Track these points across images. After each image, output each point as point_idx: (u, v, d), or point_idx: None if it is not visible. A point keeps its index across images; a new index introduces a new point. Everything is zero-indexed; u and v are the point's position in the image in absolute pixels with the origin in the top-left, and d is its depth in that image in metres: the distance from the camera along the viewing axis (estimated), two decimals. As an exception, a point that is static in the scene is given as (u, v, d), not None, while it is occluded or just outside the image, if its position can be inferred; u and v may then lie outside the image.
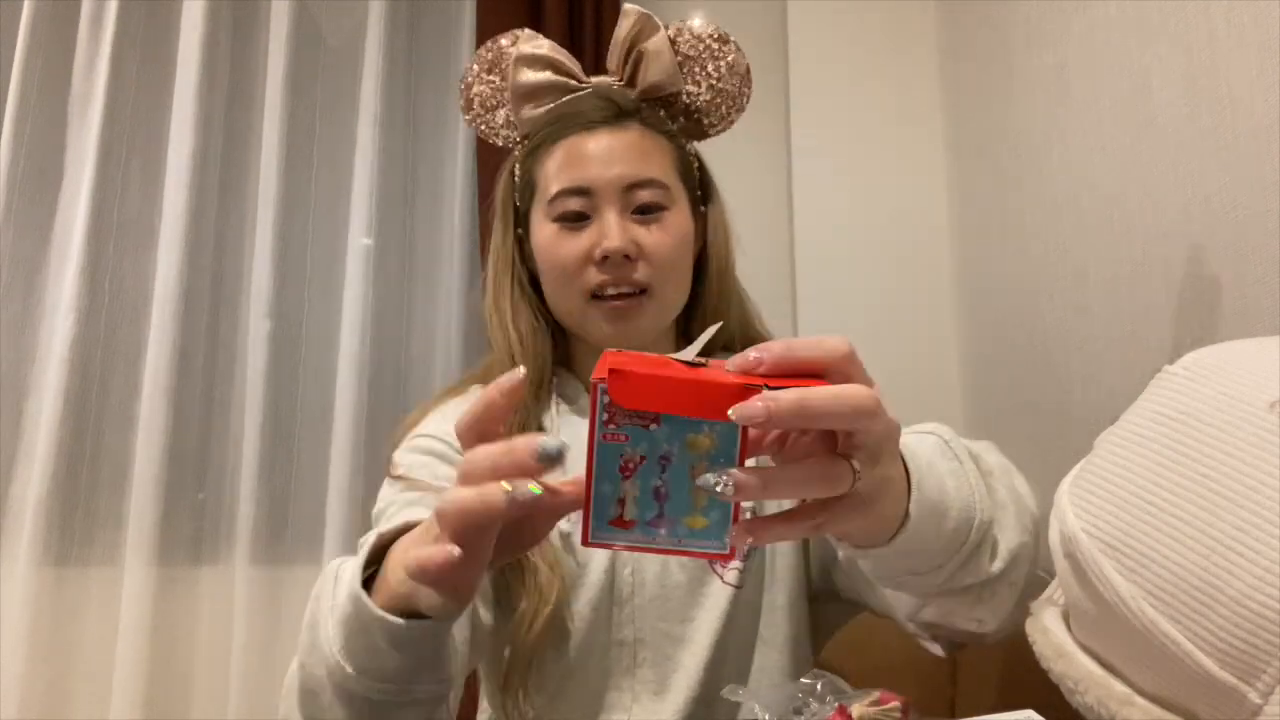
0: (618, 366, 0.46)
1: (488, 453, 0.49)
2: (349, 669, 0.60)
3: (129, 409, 1.66)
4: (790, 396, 0.44)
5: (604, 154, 0.88)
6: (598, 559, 0.86)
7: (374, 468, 1.67)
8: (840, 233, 1.72)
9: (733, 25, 0.97)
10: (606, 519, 0.48)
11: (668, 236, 0.89)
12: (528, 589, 0.83)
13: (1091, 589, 0.53)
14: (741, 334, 0.98)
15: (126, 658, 1.55)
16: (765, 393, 0.44)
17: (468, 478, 0.49)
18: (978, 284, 1.59)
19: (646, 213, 0.88)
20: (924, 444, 0.63)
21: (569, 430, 0.90)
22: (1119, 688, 0.52)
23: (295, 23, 1.77)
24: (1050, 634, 0.58)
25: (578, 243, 0.88)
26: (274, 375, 1.68)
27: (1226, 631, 0.46)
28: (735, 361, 0.47)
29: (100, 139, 1.68)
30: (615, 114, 0.90)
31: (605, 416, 0.47)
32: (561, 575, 0.84)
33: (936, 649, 0.77)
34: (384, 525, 0.66)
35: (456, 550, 0.48)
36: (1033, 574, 0.68)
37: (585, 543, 0.49)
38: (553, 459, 0.48)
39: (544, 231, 0.90)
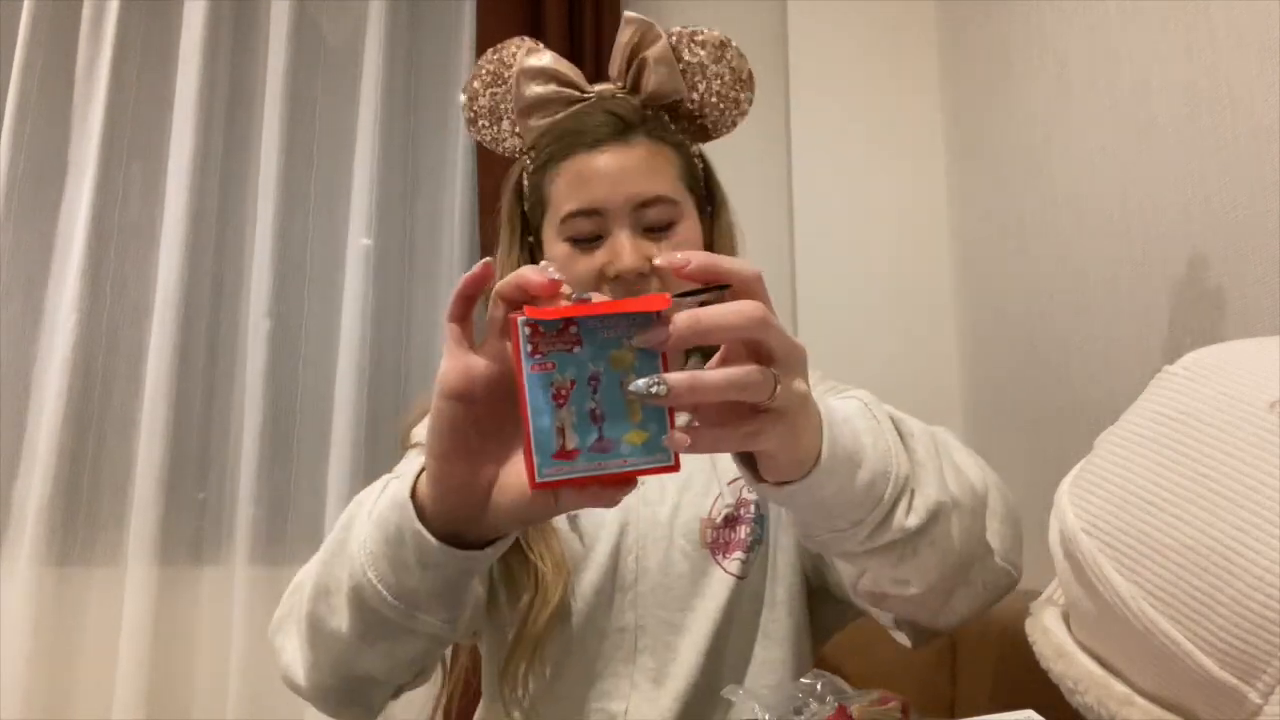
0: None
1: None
2: (370, 575, 0.63)
3: (130, 410, 1.66)
4: (683, 316, 0.47)
5: (612, 173, 0.88)
6: (603, 543, 0.88)
7: (374, 468, 1.67)
8: (840, 233, 1.72)
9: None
10: (550, 453, 0.48)
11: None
12: (531, 583, 0.85)
13: (1091, 589, 0.53)
14: None
15: (128, 656, 1.55)
16: (664, 317, 0.48)
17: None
18: (978, 284, 1.59)
19: (657, 229, 0.90)
20: (845, 404, 0.65)
21: None
22: (1119, 688, 0.52)
23: (295, 23, 1.77)
24: (1050, 634, 0.58)
25: (591, 262, 0.89)
26: (274, 375, 1.69)
27: (1226, 631, 0.46)
28: (665, 257, 0.51)
29: (101, 140, 1.69)
30: (620, 129, 0.90)
31: (530, 348, 0.48)
32: (567, 569, 0.86)
33: (903, 638, 0.77)
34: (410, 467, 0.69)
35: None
36: (970, 543, 0.68)
37: (532, 484, 0.49)
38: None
39: (557, 251, 0.91)
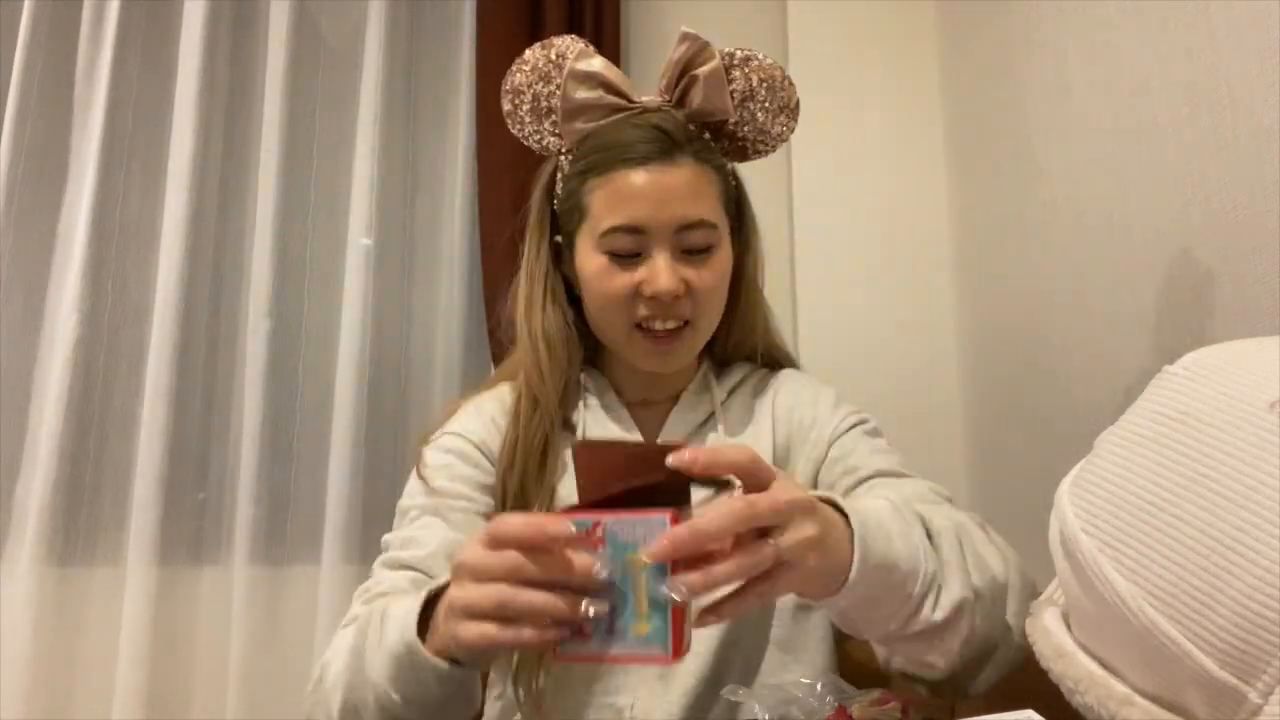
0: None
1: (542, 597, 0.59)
2: (395, 697, 0.70)
3: (131, 410, 1.66)
4: (681, 533, 0.56)
5: (657, 193, 0.89)
6: None
7: (374, 468, 1.68)
8: (840, 233, 1.72)
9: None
10: (571, 631, 0.58)
11: (714, 275, 0.93)
12: None
13: (1091, 589, 0.53)
14: (765, 347, 1.04)
15: (128, 657, 1.55)
16: (669, 532, 0.56)
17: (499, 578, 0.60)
18: (978, 284, 1.59)
19: (695, 252, 0.91)
20: (877, 506, 0.71)
21: (595, 419, 0.97)
22: (1119, 688, 0.52)
23: (295, 23, 1.77)
24: (1050, 634, 0.58)
25: (628, 278, 0.90)
26: (274, 375, 1.69)
27: (1226, 631, 0.46)
28: (674, 458, 0.59)
29: (101, 141, 1.68)
30: (667, 147, 0.90)
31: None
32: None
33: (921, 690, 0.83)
34: (418, 561, 0.82)
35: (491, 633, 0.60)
36: (991, 628, 0.74)
37: (555, 658, 0.59)
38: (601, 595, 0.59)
39: (594, 262, 0.92)
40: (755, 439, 0.97)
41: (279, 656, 1.62)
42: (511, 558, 0.59)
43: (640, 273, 0.89)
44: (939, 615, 0.69)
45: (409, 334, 1.78)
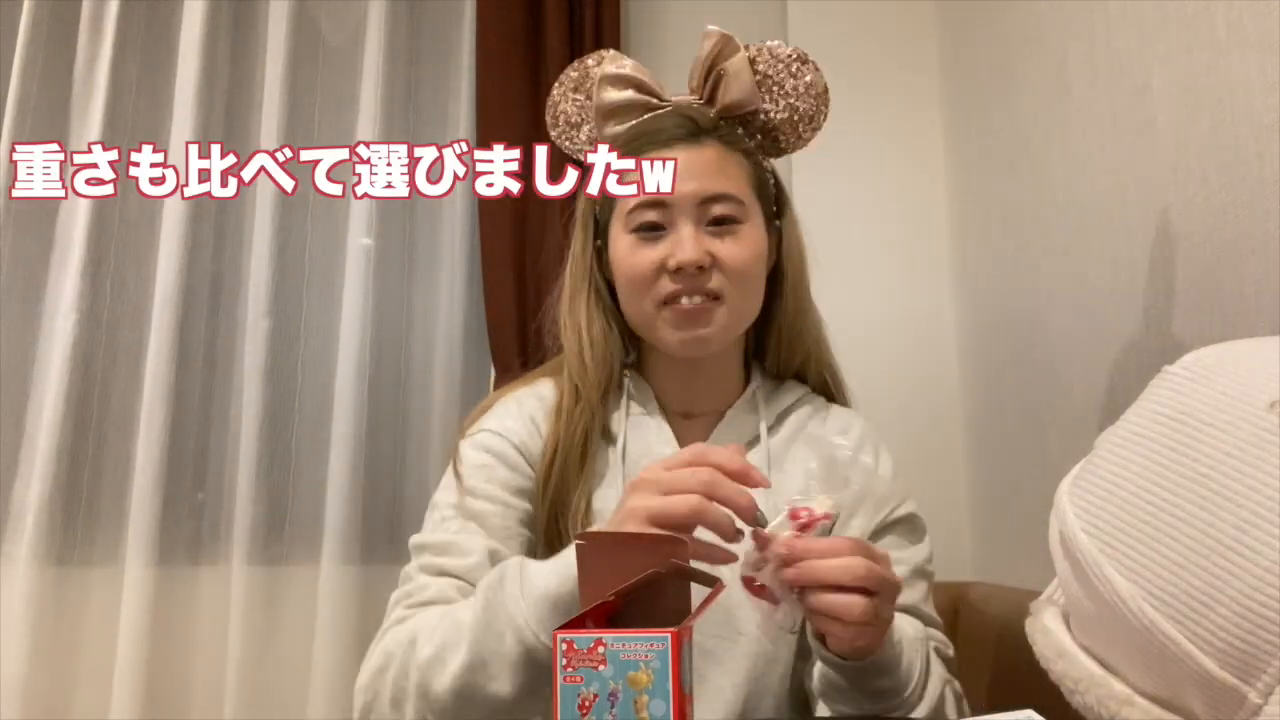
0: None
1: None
2: (543, 638, 0.73)
3: (129, 409, 1.66)
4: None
5: (682, 170, 0.90)
6: None
7: (373, 468, 1.68)
8: (840, 232, 1.72)
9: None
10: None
11: (741, 248, 0.92)
12: None
13: (1091, 589, 0.53)
14: (817, 355, 1.03)
15: (126, 657, 1.55)
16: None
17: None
18: (977, 284, 1.59)
19: (721, 224, 0.92)
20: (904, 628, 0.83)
21: (636, 429, 0.95)
22: (1119, 688, 0.52)
23: (295, 23, 1.77)
24: (1050, 634, 0.58)
25: (653, 253, 0.91)
26: (274, 375, 1.69)
27: (1226, 631, 0.46)
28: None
29: (100, 139, 1.68)
30: (693, 131, 0.93)
31: (564, 662, 0.58)
32: None
33: None
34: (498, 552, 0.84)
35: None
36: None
37: None
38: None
39: (622, 242, 0.93)
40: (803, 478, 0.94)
41: (277, 657, 1.62)
42: (708, 473, 0.66)
43: (665, 246, 0.90)
44: (921, 711, 0.81)
45: (409, 334, 1.78)
